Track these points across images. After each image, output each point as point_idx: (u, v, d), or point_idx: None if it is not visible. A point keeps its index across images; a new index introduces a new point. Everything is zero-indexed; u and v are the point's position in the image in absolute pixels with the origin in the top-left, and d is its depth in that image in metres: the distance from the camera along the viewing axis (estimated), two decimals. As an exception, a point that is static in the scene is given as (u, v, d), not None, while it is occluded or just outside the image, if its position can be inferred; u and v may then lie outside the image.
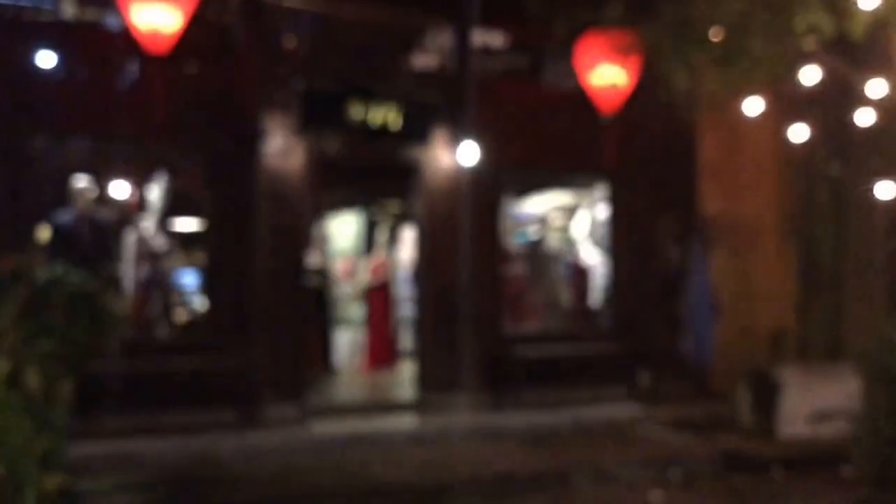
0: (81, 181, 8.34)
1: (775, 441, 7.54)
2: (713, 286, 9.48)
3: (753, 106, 8.31)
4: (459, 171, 9.05)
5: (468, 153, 8.90)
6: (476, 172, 9.04)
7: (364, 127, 8.43)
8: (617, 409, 8.70)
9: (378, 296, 12.06)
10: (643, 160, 9.64)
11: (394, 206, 14.05)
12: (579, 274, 11.16)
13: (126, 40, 6.72)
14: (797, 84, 6.90)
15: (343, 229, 14.00)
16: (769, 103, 8.69)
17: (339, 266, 13.52)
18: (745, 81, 5.84)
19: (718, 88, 5.93)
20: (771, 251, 9.46)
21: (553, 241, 10.70)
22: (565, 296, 10.57)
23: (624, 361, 9.63)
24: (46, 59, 7.26)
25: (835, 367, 8.48)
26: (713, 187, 9.96)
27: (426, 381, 9.01)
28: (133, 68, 7.31)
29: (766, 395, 7.74)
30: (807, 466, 6.88)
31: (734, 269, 9.76)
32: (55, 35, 7.60)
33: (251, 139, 8.03)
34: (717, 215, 9.69)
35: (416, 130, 8.74)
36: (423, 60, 10.32)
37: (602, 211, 10.74)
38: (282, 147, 8.25)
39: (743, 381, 8.03)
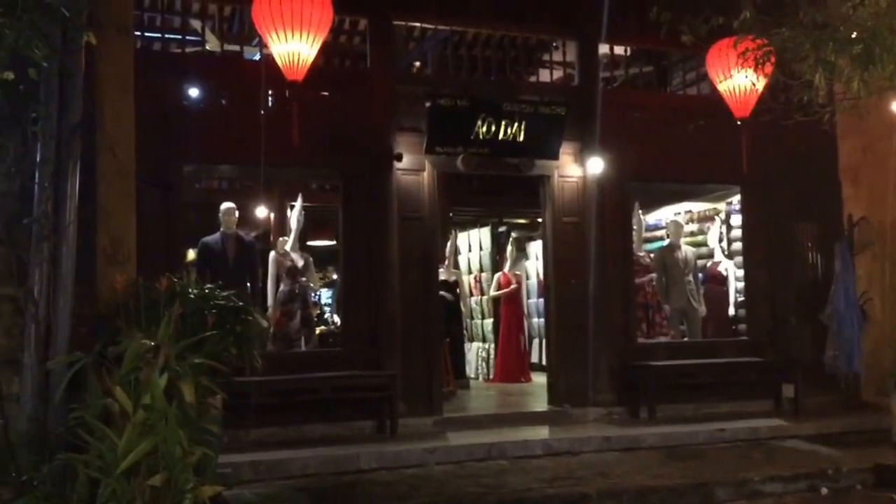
0: (226, 204, 8.85)
1: (933, 456, 7.09)
2: (860, 293, 9.05)
3: (898, 106, 7.89)
4: (587, 183, 9.01)
5: (596, 165, 8.85)
6: (604, 183, 8.98)
7: (491, 142, 8.51)
8: (759, 423, 8.37)
9: (508, 309, 12.13)
10: (780, 166, 9.35)
11: (522, 219, 14.11)
12: (716, 283, 10.86)
13: (265, 70, 7.09)
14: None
15: (472, 244, 14.15)
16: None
17: (468, 280, 13.68)
18: (890, 81, 5.54)
19: (861, 89, 5.65)
20: (921, 255, 8.95)
21: (687, 250, 10.44)
22: (701, 306, 10.29)
23: (765, 373, 9.31)
24: (192, 89, 7.74)
25: None
26: (856, 191, 9.59)
27: (558, 393, 8.98)
28: (272, 96, 7.69)
29: (922, 407, 7.30)
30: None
31: (882, 275, 9.30)
32: (200, 66, 8.11)
33: (384, 159, 8.25)
34: (862, 219, 9.25)
35: (543, 144, 8.74)
36: (549, 73, 10.35)
37: (738, 218, 10.44)
38: (412, 165, 8.44)
39: (895, 392, 7.59)
